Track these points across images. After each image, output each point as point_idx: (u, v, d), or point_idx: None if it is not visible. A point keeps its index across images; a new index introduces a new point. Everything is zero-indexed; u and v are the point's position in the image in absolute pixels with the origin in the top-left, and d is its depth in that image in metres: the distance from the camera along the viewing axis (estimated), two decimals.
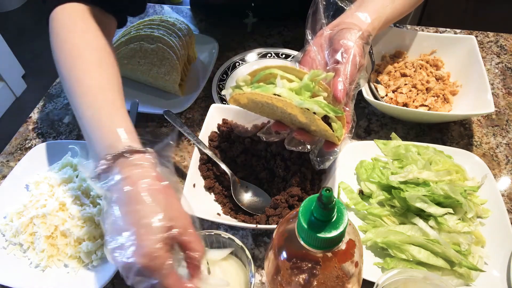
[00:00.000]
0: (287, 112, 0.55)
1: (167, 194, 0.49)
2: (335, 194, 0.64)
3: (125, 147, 0.50)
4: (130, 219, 0.46)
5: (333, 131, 0.56)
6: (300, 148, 0.61)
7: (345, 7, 0.68)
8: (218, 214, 0.68)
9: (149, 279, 0.45)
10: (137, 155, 0.50)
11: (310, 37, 0.66)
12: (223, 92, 0.59)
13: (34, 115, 0.92)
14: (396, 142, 0.76)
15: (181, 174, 0.78)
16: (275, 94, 0.54)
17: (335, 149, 0.61)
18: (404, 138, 0.79)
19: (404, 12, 0.75)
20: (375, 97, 0.84)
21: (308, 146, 0.61)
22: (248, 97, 0.56)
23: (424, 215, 0.64)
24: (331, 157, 0.64)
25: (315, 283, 0.42)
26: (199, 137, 0.72)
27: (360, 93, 0.79)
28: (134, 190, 0.47)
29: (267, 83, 0.57)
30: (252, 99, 0.56)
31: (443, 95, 0.84)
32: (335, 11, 0.67)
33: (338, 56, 0.59)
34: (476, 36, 1.00)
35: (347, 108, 0.61)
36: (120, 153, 0.49)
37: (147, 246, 0.44)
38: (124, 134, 0.53)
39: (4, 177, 0.78)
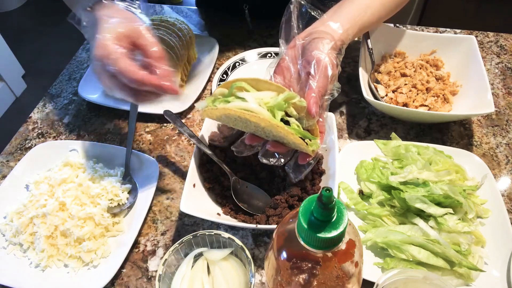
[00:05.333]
0: (260, 126, 0.55)
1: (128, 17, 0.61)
2: (335, 194, 0.64)
3: None
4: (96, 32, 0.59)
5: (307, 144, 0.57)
6: (275, 161, 0.61)
7: (318, 17, 0.67)
8: (218, 214, 0.68)
9: (106, 66, 0.57)
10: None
11: (283, 47, 0.65)
12: (196, 105, 0.60)
13: (34, 115, 0.92)
14: (396, 142, 0.76)
15: (181, 174, 0.79)
16: (247, 110, 0.54)
17: (310, 160, 0.61)
18: (404, 138, 0.79)
19: (382, 17, 0.75)
20: (375, 97, 0.84)
21: (282, 160, 0.61)
22: (221, 112, 0.56)
23: (424, 215, 0.64)
24: (306, 169, 0.63)
25: (315, 283, 0.42)
26: (199, 137, 0.72)
27: (360, 93, 0.79)
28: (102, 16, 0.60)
29: (236, 97, 0.57)
30: (225, 113, 0.56)
31: (443, 95, 0.84)
32: (308, 20, 0.67)
33: (311, 68, 0.59)
34: (476, 36, 1.00)
35: (321, 119, 0.61)
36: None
37: (100, 41, 0.58)
38: None
39: (4, 177, 0.78)
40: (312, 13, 0.67)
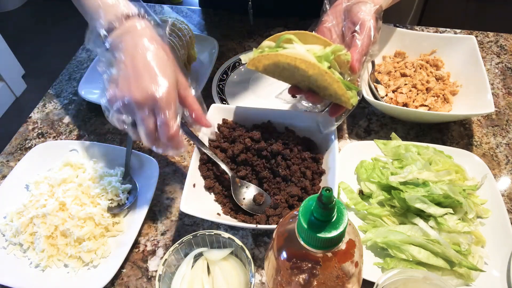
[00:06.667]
0: (307, 75, 0.58)
1: (163, 56, 0.56)
2: (335, 194, 0.64)
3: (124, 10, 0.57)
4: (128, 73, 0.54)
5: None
6: (312, 106, 0.68)
7: None
8: (218, 214, 0.68)
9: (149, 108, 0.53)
10: (136, 18, 0.57)
11: (328, 7, 0.69)
12: (241, 57, 0.63)
13: (34, 115, 0.92)
14: (396, 142, 0.76)
15: (181, 174, 0.78)
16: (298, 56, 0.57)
17: (340, 115, 0.67)
18: (404, 138, 0.79)
19: None
20: (375, 97, 0.84)
21: (319, 106, 0.68)
22: (271, 59, 0.59)
23: (424, 215, 0.64)
24: (335, 123, 0.69)
25: (315, 283, 0.42)
26: (199, 137, 0.72)
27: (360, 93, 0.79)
28: (134, 51, 0.54)
29: (284, 49, 0.61)
30: (275, 61, 0.59)
31: (443, 95, 0.84)
32: None
33: (356, 28, 0.64)
34: (476, 36, 0.99)
35: (358, 79, 0.66)
36: (122, 14, 0.56)
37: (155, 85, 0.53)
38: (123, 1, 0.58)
39: (4, 177, 0.78)
40: None
